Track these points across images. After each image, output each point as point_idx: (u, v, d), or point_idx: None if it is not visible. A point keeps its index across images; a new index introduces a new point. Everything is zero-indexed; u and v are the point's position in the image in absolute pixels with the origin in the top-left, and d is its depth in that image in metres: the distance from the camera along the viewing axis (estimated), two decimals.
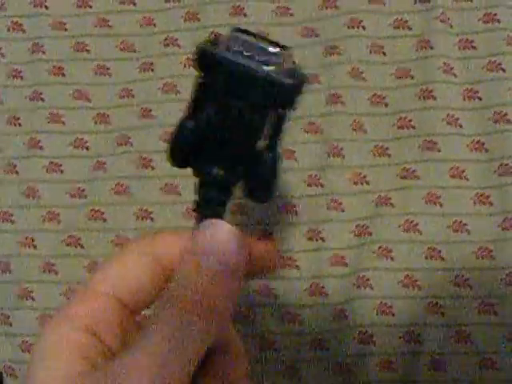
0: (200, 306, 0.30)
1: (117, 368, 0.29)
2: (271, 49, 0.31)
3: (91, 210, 0.55)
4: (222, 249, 0.32)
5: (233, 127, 0.32)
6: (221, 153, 0.33)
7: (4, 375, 0.55)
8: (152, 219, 0.55)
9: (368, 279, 0.51)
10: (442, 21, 0.54)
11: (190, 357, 0.30)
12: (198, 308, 0.30)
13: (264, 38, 0.32)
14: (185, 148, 0.33)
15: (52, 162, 0.57)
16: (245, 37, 0.31)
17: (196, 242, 0.32)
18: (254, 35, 0.32)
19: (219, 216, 0.34)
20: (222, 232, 0.32)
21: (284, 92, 0.31)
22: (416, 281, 0.51)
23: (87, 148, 0.57)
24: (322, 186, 0.53)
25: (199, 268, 0.31)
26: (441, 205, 0.52)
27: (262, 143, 0.33)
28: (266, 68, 0.31)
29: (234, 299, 0.32)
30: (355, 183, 0.53)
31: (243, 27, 0.32)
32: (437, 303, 0.51)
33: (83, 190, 0.56)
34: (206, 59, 0.32)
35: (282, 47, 0.32)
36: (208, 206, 0.34)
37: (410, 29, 0.55)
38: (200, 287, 0.31)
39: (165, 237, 0.35)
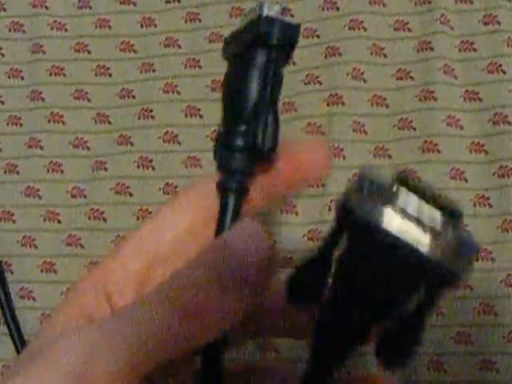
0: (185, 308, 0.25)
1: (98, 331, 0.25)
2: (439, 228, 0.23)
3: (91, 210, 0.55)
4: (243, 260, 0.25)
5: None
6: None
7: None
8: None
9: None
10: (442, 22, 0.55)
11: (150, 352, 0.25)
12: (182, 309, 0.25)
13: (434, 197, 0.24)
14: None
15: (52, 162, 0.57)
16: (412, 199, 0.23)
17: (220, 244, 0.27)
18: (421, 191, 0.24)
19: None
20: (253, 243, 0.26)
21: (451, 277, 0.24)
22: None
23: (87, 148, 0.57)
24: (322, 186, 0.53)
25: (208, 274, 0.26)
26: None
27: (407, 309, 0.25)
28: (424, 249, 0.23)
29: (232, 317, 0.26)
30: None
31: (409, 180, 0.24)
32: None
33: (83, 190, 0.56)
34: (354, 223, 0.24)
35: (453, 213, 0.24)
36: None
37: (410, 30, 0.56)
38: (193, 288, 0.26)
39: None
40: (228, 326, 0.26)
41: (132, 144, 0.56)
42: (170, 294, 0.25)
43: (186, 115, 0.56)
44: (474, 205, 0.52)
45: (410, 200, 0.23)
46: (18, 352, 0.53)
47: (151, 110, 0.57)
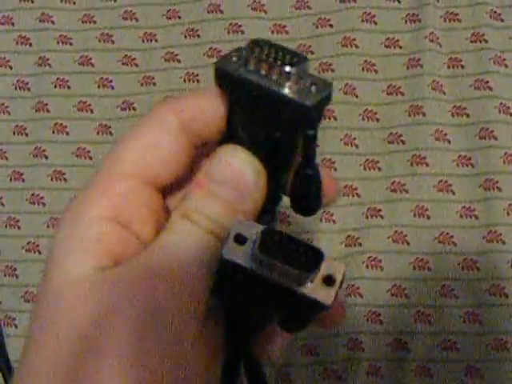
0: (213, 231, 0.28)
1: (134, 268, 0.27)
2: (285, 68, 0.27)
3: None
4: (237, 178, 0.29)
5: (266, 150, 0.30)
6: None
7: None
8: None
9: (358, 288, 0.53)
10: (431, 40, 0.56)
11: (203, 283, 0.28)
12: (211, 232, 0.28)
13: (282, 49, 0.28)
14: None
15: (56, 171, 0.59)
16: (261, 53, 0.28)
17: (211, 166, 0.29)
18: (272, 46, 0.28)
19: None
20: (237, 159, 0.29)
21: (307, 113, 0.28)
22: (404, 290, 0.53)
23: (90, 157, 0.59)
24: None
25: (213, 195, 0.29)
26: (428, 217, 0.53)
27: (298, 160, 0.30)
28: (283, 90, 0.28)
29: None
30: (346, 195, 0.55)
31: (262, 39, 0.28)
32: (424, 312, 0.52)
33: None
34: (224, 79, 0.29)
35: (299, 58, 0.28)
36: None
37: (400, 47, 0.57)
38: (213, 215, 0.29)
39: (188, 100, 0.31)
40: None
41: None
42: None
43: (185, 80, 0.58)
44: (461, 216, 0.53)
45: (262, 56, 0.28)
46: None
47: None
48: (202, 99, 0.31)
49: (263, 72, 0.28)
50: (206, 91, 0.30)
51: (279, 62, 0.28)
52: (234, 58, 0.29)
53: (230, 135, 0.31)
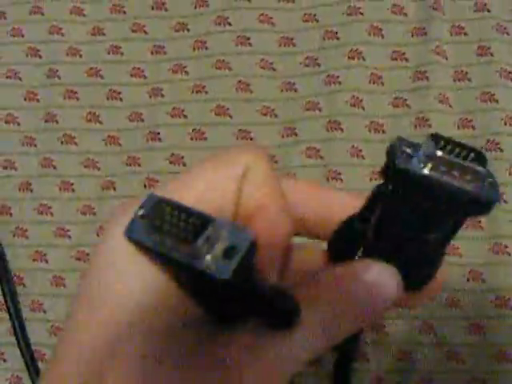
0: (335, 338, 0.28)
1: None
2: (480, 169, 0.26)
3: (100, 228, 0.57)
4: (385, 300, 0.29)
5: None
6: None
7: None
8: None
9: None
10: (437, 53, 0.56)
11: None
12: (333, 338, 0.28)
13: (462, 147, 0.27)
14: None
15: (64, 181, 0.59)
16: (449, 156, 0.26)
17: (361, 280, 0.29)
18: (450, 143, 0.27)
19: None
20: (392, 280, 0.29)
21: (486, 207, 0.27)
22: None
23: (98, 168, 0.59)
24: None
25: (353, 304, 0.28)
26: None
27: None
28: (468, 187, 0.26)
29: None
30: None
31: (440, 135, 0.27)
32: (428, 323, 0.52)
33: (93, 208, 0.58)
34: (402, 177, 0.27)
35: (481, 157, 0.27)
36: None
37: (407, 60, 0.58)
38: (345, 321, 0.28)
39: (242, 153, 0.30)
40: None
41: (140, 165, 0.58)
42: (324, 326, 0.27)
43: (192, 138, 0.58)
44: (466, 227, 0.53)
45: (446, 151, 0.26)
46: (26, 363, 0.55)
47: (158, 133, 0.59)
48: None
49: (455, 173, 0.27)
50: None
51: (472, 165, 0.26)
52: (417, 157, 0.27)
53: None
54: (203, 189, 0.29)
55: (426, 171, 0.26)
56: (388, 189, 0.28)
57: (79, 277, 0.27)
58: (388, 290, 0.29)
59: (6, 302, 0.57)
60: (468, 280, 0.53)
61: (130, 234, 0.27)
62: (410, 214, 0.28)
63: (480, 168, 0.26)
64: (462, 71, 0.57)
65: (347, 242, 0.29)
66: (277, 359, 0.26)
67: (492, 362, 0.51)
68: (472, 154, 0.26)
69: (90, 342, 0.26)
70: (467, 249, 0.53)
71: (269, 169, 0.30)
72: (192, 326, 0.27)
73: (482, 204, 0.27)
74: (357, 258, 0.30)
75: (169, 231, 0.25)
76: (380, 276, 0.29)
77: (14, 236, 0.59)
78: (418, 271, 0.31)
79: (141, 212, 0.27)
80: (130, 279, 0.27)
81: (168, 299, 0.27)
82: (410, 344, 0.52)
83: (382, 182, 0.28)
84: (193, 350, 0.26)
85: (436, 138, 0.26)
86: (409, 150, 0.27)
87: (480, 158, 0.26)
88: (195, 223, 0.25)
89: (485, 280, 0.53)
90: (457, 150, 0.26)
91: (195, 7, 0.61)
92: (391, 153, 0.27)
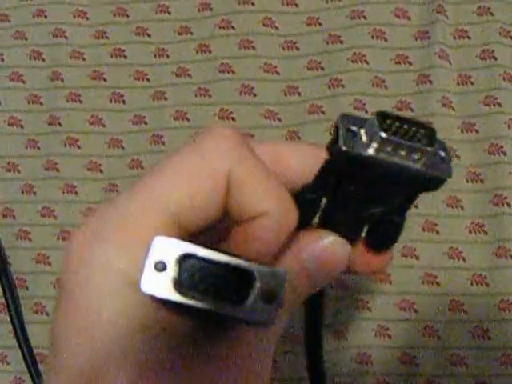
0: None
1: None
2: (428, 149, 0.27)
3: None
4: (336, 266, 0.31)
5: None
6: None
7: None
8: None
9: (366, 302, 0.53)
10: (441, 57, 0.57)
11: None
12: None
13: (409, 123, 0.27)
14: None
15: (67, 184, 0.59)
16: (394, 136, 0.27)
17: (312, 249, 0.31)
18: (397, 120, 0.27)
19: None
20: (341, 249, 0.31)
21: (438, 183, 0.28)
22: (412, 304, 0.53)
23: (101, 171, 0.59)
24: None
25: (306, 275, 0.31)
26: (437, 232, 0.54)
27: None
28: (418, 166, 0.27)
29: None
30: None
31: (385, 112, 0.27)
32: (432, 327, 0.52)
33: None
34: (350, 160, 0.27)
35: (430, 132, 0.27)
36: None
37: (410, 64, 0.58)
38: (298, 288, 0.31)
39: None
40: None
41: (143, 168, 0.58)
42: None
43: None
44: (470, 231, 0.54)
45: (390, 130, 0.27)
46: (26, 363, 0.55)
47: (162, 136, 0.59)
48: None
49: (402, 153, 0.27)
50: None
51: (419, 145, 0.27)
52: (357, 136, 0.27)
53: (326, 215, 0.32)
54: (189, 185, 0.28)
55: (370, 152, 0.27)
56: (335, 165, 0.28)
57: (56, 298, 0.27)
58: (338, 258, 0.31)
59: (7, 304, 0.57)
60: (472, 284, 0.53)
61: (153, 292, 0.26)
62: (360, 189, 0.29)
63: (427, 147, 0.27)
64: (465, 75, 0.57)
65: (301, 210, 0.29)
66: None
67: (496, 366, 0.51)
68: (421, 131, 0.27)
69: (77, 367, 0.26)
70: (471, 252, 0.53)
71: (252, 159, 0.29)
72: (182, 344, 0.27)
73: (430, 181, 0.28)
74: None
75: (212, 292, 0.26)
76: (332, 246, 0.31)
77: (17, 238, 0.59)
78: (376, 237, 0.33)
79: (172, 272, 0.26)
80: (115, 306, 0.26)
81: (153, 326, 0.27)
82: (413, 347, 0.52)
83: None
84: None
85: (382, 115, 0.27)
86: (354, 128, 0.27)
87: (429, 134, 0.27)
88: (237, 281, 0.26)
89: (489, 284, 0.52)
90: (404, 127, 0.27)
91: (198, 11, 0.61)
92: (335, 132, 0.27)
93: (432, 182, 0.28)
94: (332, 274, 0.31)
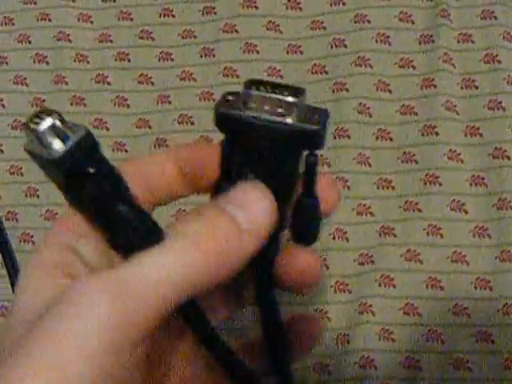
0: (211, 251, 0.28)
1: (126, 274, 0.27)
2: (288, 99, 0.29)
3: None
4: (252, 206, 0.30)
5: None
6: None
7: None
8: None
9: (370, 306, 0.53)
10: (445, 61, 0.57)
11: (181, 293, 0.28)
12: (208, 252, 0.28)
13: (277, 85, 0.30)
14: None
15: None
16: (258, 92, 0.30)
17: (228, 194, 0.30)
18: (268, 84, 0.30)
19: None
20: (255, 190, 0.31)
21: (312, 137, 0.30)
22: (416, 308, 0.53)
23: None
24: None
25: (223, 215, 0.29)
26: (441, 236, 0.54)
27: (299, 191, 0.32)
28: (288, 120, 0.30)
29: (243, 260, 0.30)
30: (360, 214, 0.55)
31: (257, 78, 0.30)
32: (436, 331, 0.52)
33: None
34: (226, 122, 0.31)
35: (297, 91, 0.30)
36: None
37: (414, 68, 0.58)
38: (219, 232, 0.29)
39: (188, 147, 0.34)
40: (243, 264, 0.30)
41: None
42: (196, 238, 0.28)
43: None
44: (474, 235, 0.54)
45: (261, 93, 0.30)
46: None
47: (165, 140, 0.59)
48: (198, 150, 0.34)
49: (267, 108, 0.30)
50: (201, 144, 0.33)
51: (281, 96, 0.29)
52: (233, 100, 0.31)
53: (228, 176, 0.32)
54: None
55: (243, 112, 0.30)
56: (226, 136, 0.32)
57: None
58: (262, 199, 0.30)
59: None
60: (475, 288, 0.52)
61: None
62: (248, 155, 0.31)
63: (290, 98, 0.29)
64: (469, 79, 0.57)
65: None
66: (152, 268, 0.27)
67: (499, 370, 0.51)
68: (290, 91, 0.30)
69: None
70: (475, 256, 0.53)
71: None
72: None
73: (303, 136, 0.30)
74: None
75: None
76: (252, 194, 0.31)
77: (20, 242, 0.59)
78: (295, 225, 0.33)
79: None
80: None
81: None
82: (417, 352, 0.52)
83: None
84: None
85: (254, 82, 0.30)
86: (231, 98, 0.31)
87: (297, 92, 0.30)
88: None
89: (492, 288, 0.52)
90: (274, 89, 0.30)
91: (203, 14, 0.61)
92: (216, 103, 0.31)
93: (306, 137, 0.30)
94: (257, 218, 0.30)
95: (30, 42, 0.63)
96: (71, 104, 0.61)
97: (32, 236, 0.58)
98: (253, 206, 0.30)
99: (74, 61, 0.62)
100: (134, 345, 0.26)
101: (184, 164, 0.34)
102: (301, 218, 0.33)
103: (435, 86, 0.56)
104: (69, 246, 0.31)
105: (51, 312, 0.26)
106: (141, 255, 0.27)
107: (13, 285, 0.57)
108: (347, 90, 0.58)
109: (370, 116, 0.57)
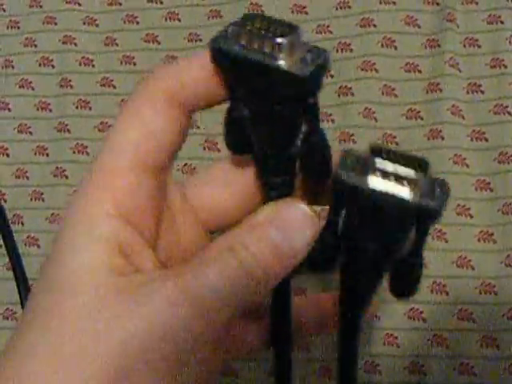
0: (255, 272, 0.29)
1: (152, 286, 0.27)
2: (279, 40, 0.28)
3: None
4: (292, 227, 0.30)
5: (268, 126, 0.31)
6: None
7: None
8: None
9: None
10: (451, 65, 0.57)
11: (226, 314, 0.29)
12: (253, 273, 0.29)
13: (274, 22, 0.28)
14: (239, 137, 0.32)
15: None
16: (253, 27, 0.28)
17: (265, 214, 0.30)
18: (265, 19, 0.28)
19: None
20: (296, 210, 0.30)
21: (304, 83, 0.28)
22: (421, 313, 0.52)
23: None
24: None
25: (263, 238, 0.29)
26: (446, 241, 0.54)
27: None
28: (277, 63, 0.28)
29: (279, 279, 0.30)
30: None
31: (255, 13, 0.30)
32: (441, 336, 0.52)
33: None
34: (219, 56, 0.29)
35: (291, 28, 0.28)
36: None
37: (420, 72, 0.58)
38: (260, 256, 0.29)
39: (174, 71, 0.31)
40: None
41: None
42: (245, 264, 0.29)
43: (205, 149, 0.58)
44: (479, 240, 0.53)
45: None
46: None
47: None
48: (187, 69, 0.30)
49: (255, 46, 0.28)
50: (192, 59, 0.31)
51: (270, 35, 0.28)
52: (230, 35, 0.29)
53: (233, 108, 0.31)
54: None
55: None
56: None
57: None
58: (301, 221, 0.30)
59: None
60: (480, 293, 0.52)
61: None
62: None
63: (282, 39, 0.28)
64: (475, 83, 0.57)
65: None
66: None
67: (506, 376, 0.51)
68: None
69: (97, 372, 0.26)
70: (479, 261, 0.53)
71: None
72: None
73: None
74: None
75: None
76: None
77: (25, 245, 0.59)
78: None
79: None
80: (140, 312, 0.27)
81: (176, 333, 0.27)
82: (422, 356, 0.52)
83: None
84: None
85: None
86: (230, 35, 0.29)
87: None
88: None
89: (497, 293, 0.52)
90: (271, 25, 0.28)
91: (208, 18, 0.61)
92: (214, 38, 0.29)
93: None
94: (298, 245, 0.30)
95: (35, 46, 0.63)
96: (76, 107, 0.61)
97: (37, 239, 0.59)
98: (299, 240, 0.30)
99: (80, 64, 0.62)
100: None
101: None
102: (310, 157, 0.32)
103: (441, 91, 0.56)
104: (122, 214, 0.29)
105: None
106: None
107: (19, 287, 0.56)
108: (353, 94, 0.58)
109: (376, 120, 0.57)
